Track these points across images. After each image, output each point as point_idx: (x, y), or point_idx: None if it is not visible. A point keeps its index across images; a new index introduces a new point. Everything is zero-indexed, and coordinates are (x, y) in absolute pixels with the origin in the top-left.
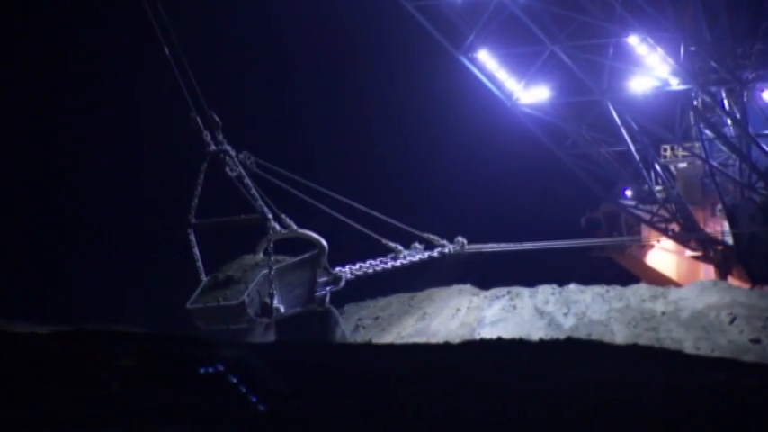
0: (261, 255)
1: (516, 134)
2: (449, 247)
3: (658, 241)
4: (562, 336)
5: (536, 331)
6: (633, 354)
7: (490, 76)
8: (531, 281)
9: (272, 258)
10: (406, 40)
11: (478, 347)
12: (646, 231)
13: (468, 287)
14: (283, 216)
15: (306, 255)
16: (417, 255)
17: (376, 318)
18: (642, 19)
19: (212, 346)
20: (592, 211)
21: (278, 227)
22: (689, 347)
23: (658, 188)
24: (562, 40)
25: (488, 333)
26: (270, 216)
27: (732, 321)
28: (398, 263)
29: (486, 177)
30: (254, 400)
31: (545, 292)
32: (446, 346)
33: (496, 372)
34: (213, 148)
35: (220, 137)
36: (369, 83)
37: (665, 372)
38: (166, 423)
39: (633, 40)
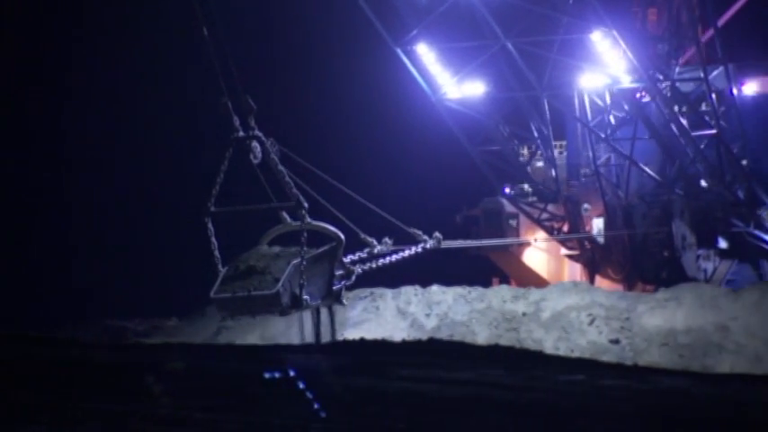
0: (276, 246)
1: (437, 129)
2: (429, 243)
3: (535, 240)
4: (424, 337)
5: (399, 332)
6: (494, 354)
7: (422, 70)
8: (395, 282)
9: (303, 249)
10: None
11: (341, 348)
12: (523, 230)
13: None
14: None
15: (326, 247)
16: (406, 250)
17: (239, 319)
18: (611, 14)
19: (67, 346)
20: (469, 208)
21: (305, 218)
22: (549, 348)
23: (526, 186)
24: (516, 35)
25: (352, 334)
26: (305, 204)
27: (592, 322)
28: (400, 256)
29: (399, 172)
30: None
31: (407, 293)
32: (306, 347)
33: (357, 373)
34: (241, 134)
35: (252, 122)
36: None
37: (524, 372)
38: (24, 423)
39: (596, 36)
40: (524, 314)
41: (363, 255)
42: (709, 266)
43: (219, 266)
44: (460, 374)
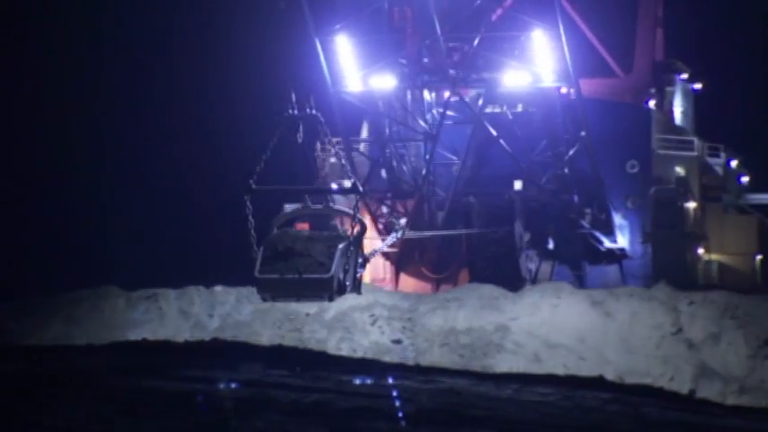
0: (304, 228)
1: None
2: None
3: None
4: (208, 337)
5: (181, 333)
6: (277, 354)
7: (332, 61)
8: (179, 282)
9: (353, 233)
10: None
11: (124, 349)
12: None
13: (115, 288)
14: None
15: (355, 233)
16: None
17: (19, 320)
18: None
19: None
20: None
21: (356, 204)
22: (332, 348)
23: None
24: (449, 31)
25: (134, 335)
26: (361, 188)
27: (374, 322)
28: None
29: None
30: None
31: (191, 293)
32: (89, 349)
33: (144, 374)
34: (296, 112)
35: (311, 101)
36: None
37: (307, 372)
38: None
39: (537, 34)
40: (308, 314)
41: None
42: (533, 267)
43: (255, 247)
44: (244, 375)
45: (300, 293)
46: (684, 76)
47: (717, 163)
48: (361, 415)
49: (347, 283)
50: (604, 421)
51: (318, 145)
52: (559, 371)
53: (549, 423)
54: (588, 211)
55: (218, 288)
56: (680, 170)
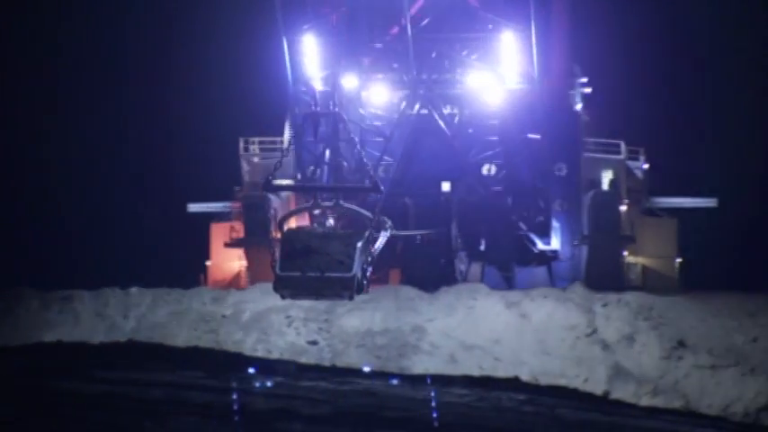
0: (315, 226)
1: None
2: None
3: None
4: (123, 339)
5: (96, 335)
6: (193, 356)
7: (296, 62)
8: (94, 283)
9: (371, 232)
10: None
11: (40, 351)
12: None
13: (28, 290)
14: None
15: (367, 232)
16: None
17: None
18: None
19: None
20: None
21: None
22: (248, 349)
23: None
24: (419, 31)
25: (48, 337)
26: (382, 188)
27: (290, 324)
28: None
29: None
30: None
31: (106, 294)
32: (2, 350)
33: (59, 375)
34: (318, 108)
35: (335, 100)
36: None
37: (223, 374)
38: None
39: (507, 35)
40: (224, 316)
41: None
42: (464, 268)
43: (273, 244)
44: (159, 376)
45: (321, 292)
46: (583, 80)
47: (636, 166)
48: (278, 416)
49: (365, 282)
50: (520, 422)
51: (241, 144)
52: (475, 372)
53: (464, 424)
54: (525, 213)
55: (134, 290)
56: (608, 173)
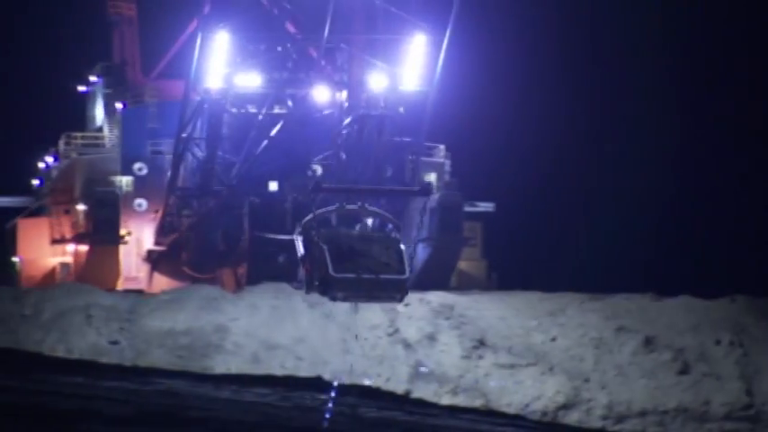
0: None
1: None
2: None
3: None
4: None
5: None
6: None
7: (204, 59)
8: None
9: (419, 235)
10: None
11: None
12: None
13: None
14: None
15: (396, 233)
16: None
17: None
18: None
19: None
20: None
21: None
22: (48, 349)
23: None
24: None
25: None
26: (433, 190)
27: (91, 324)
28: None
29: None
30: None
31: None
32: None
33: None
34: (366, 111)
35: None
36: None
37: (24, 374)
38: None
39: (419, 38)
40: (23, 316)
41: None
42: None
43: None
44: None
45: (374, 294)
46: None
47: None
48: (79, 417)
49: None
50: (322, 422)
51: (62, 140)
52: (278, 371)
53: (267, 423)
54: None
55: None
56: (430, 175)
